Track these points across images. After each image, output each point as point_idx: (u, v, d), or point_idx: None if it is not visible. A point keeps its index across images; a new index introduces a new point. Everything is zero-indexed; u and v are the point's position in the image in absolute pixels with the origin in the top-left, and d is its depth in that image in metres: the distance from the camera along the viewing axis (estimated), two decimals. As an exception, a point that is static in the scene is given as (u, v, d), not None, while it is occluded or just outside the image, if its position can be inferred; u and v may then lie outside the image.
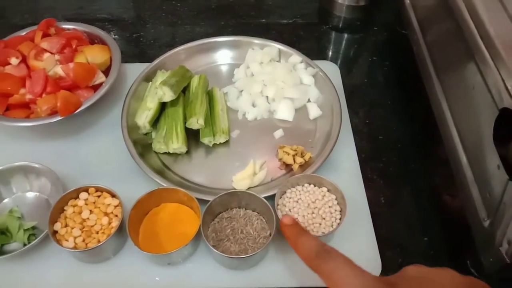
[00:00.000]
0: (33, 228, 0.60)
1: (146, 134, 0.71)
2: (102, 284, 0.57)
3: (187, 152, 0.69)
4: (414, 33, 0.76)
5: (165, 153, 0.69)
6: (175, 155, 0.69)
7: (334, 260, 0.40)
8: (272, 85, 0.74)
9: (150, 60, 0.81)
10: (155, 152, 0.69)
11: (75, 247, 0.54)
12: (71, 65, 0.68)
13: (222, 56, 0.82)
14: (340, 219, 0.58)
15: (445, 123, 0.63)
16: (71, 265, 0.58)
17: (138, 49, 0.88)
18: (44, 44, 0.70)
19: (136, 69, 0.78)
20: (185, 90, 0.73)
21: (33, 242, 0.55)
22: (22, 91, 0.68)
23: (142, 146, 0.68)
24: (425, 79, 0.71)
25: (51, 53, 0.70)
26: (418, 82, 0.74)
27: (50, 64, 0.69)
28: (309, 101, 0.75)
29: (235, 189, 0.64)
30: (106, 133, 0.72)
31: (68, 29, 0.78)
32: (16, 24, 0.93)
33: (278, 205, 0.59)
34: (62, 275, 0.57)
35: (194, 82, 0.74)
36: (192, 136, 0.70)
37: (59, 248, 0.58)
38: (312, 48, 0.89)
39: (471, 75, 0.56)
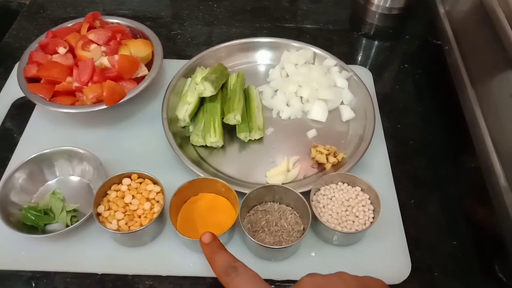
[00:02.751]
0: (74, 210, 0.63)
1: (183, 127, 0.73)
2: (138, 267, 0.59)
3: (222, 146, 0.71)
4: (448, 42, 0.78)
5: (201, 146, 0.71)
6: (211, 148, 0.71)
7: (239, 276, 0.42)
8: (307, 86, 0.76)
9: (186, 57, 0.84)
10: (192, 144, 0.71)
11: (118, 230, 0.57)
12: (116, 57, 0.71)
13: (258, 56, 0.84)
14: (373, 218, 0.59)
15: (478, 130, 0.64)
16: (110, 248, 0.60)
17: (176, 46, 0.90)
18: (92, 36, 0.73)
19: (173, 65, 0.81)
20: (222, 86, 0.76)
21: (77, 223, 0.58)
22: (69, 79, 0.71)
23: (180, 138, 0.70)
24: (458, 87, 0.72)
25: (98, 44, 0.73)
26: (450, 90, 0.76)
27: (97, 55, 0.71)
28: (342, 103, 0.77)
29: (264, 184, 0.66)
30: (145, 124, 0.75)
31: (112, 23, 0.81)
32: (59, 17, 0.97)
33: (312, 201, 0.61)
34: (100, 256, 0.60)
35: (232, 79, 0.76)
36: (228, 131, 0.72)
37: (99, 230, 0.61)
38: (344, 53, 0.91)
39: (508, 83, 0.57)
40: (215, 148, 0.71)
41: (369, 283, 0.41)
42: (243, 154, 0.72)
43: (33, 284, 0.58)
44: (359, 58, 0.92)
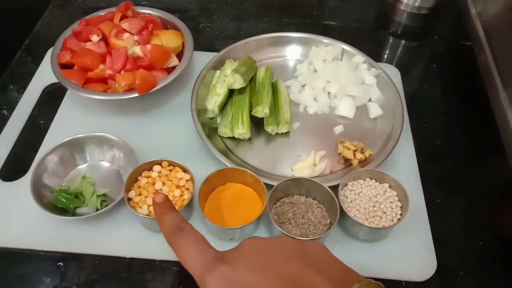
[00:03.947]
0: (104, 195, 0.64)
1: (211, 118, 0.74)
2: (165, 253, 0.59)
3: (249, 138, 0.72)
4: (478, 43, 0.78)
5: (228, 137, 0.72)
6: (237, 139, 0.72)
7: (185, 237, 0.40)
8: (335, 82, 0.77)
9: (214, 50, 0.85)
10: (219, 135, 0.72)
11: (148, 215, 0.58)
12: (148, 46, 0.71)
13: (286, 51, 0.85)
14: (401, 214, 0.59)
15: (509, 133, 0.64)
16: (138, 232, 0.61)
17: (205, 38, 0.91)
18: (125, 25, 0.74)
19: (201, 57, 0.82)
20: (251, 80, 0.76)
21: (109, 207, 0.59)
22: (101, 66, 0.72)
23: (208, 129, 0.71)
24: (489, 89, 0.72)
25: (131, 33, 0.74)
26: (479, 92, 0.75)
27: (129, 43, 0.73)
28: (370, 100, 0.77)
29: (293, 177, 0.66)
30: (173, 114, 0.76)
31: (143, 13, 0.82)
32: (89, 6, 0.98)
33: (340, 196, 0.61)
34: (128, 241, 0.61)
35: (261, 72, 0.76)
36: (254, 124, 0.73)
37: (128, 215, 0.62)
38: (371, 51, 0.90)
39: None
40: (242, 140, 0.72)
41: (308, 245, 0.40)
42: (269, 146, 0.72)
43: (62, 265, 0.59)
44: (386, 57, 0.91)
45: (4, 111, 0.77)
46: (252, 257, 0.38)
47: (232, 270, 0.36)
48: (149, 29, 0.76)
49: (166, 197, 0.44)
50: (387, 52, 0.92)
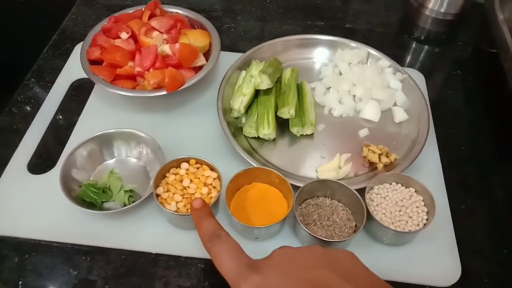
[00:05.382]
0: (131, 191, 0.65)
1: (236, 118, 0.74)
2: (190, 249, 0.60)
3: (273, 139, 0.72)
4: (506, 50, 0.77)
5: (253, 137, 0.72)
6: (262, 140, 0.72)
7: (222, 244, 0.42)
8: (361, 85, 0.77)
9: (238, 50, 0.86)
10: (244, 135, 0.72)
11: (176, 211, 0.58)
12: (177, 45, 0.72)
13: (312, 53, 0.85)
14: (427, 219, 0.59)
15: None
16: (164, 229, 0.62)
17: (229, 39, 0.92)
18: (154, 23, 0.75)
19: (226, 57, 0.82)
20: (276, 80, 0.76)
21: (137, 202, 0.60)
22: (130, 63, 0.73)
23: (233, 128, 0.72)
24: (517, 96, 0.71)
25: (160, 32, 0.75)
26: (504, 99, 0.75)
27: (158, 42, 0.73)
28: (395, 104, 0.77)
29: (318, 178, 0.67)
30: (198, 113, 0.76)
31: (171, 12, 0.83)
32: (115, 4, 1.00)
33: (366, 199, 0.61)
34: (154, 236, 0.61)
35: (287, 74, 0.77)
36: (279, 125, 0.73)
37: (154, 211, 0.63)
38: (394, 55, 0.90)
39: None
40: (266, 140, 0.72)
41: (338, 254, 0.42)
42: (293, 148, 0.72)
43: (89, 259, 0.60)
44: (410, 61, 0.91)
45: (32, 106, 0.78)
46: (283, 265, 0.39)
47: (264, 279, 0.38)
48: (178, 28, 0.77)
49: (205, 202, 0.46)
50: (411, 57, 0.92)
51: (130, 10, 0.83)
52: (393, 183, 0.63)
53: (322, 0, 1.03)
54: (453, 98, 0.84)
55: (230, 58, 0.81)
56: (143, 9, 0.81)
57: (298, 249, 0.42)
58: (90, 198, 0.62)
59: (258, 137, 0.72)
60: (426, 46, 0.95)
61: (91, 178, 0.66)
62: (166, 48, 0.72)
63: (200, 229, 0.44)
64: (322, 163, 0.70)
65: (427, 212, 0.60)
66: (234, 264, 0.40)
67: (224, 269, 0.40)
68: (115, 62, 0.72)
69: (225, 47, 0.89)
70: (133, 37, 0.76)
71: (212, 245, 0.42)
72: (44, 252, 0.61)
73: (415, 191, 0.62)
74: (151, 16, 0.79)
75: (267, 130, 0.70)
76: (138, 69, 0.71)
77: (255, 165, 0.65)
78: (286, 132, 0.73)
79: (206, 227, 0.44)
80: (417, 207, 0.60)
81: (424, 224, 0.59)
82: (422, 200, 0.61)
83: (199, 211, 0.46)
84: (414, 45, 0.95)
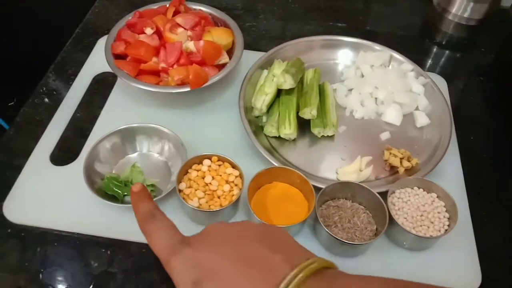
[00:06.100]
0: (152, 185, 0.65)
1: (257, 116, 0.74)
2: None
3: (294, 139, 0.72)
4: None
5: (274, 136, 0.72)
6: (282, 139, 0.72)
7: (156, 223, 0.42)
8: (383, 88, 0.77)
9: (260, 49, 0.86)
10: (264, 134, 0.72)
11: (198, 207, 0.59)
12: (201, 42, 0.73)
13: (334, 54, 0.85)
14: (448, 225, 0.59)
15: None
16: (184, 224, 0.60)
17: (250, 37, 0.92)
18: (179, 20, 0.75)
19: (247, 56, 0.82)
20: (298, 81, 0.77)
21: (160, 196, 0.60)
22: (154, 59, 0.73)
23: (254, 127, 0.72)
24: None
25: (185, 28, 0.75)
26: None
27: (183, 38, 0.74)
28: (417, 109, 0.77)
29: (340, 180, 0.67)
30: (220, 110, 0.77)
31: (195, 9, 0.83)
32: (138, -1, 1.00)
33: (387, 203, 0.61)
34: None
35: (309, 74, 0.77)
36: (299, 125, 0.73)
37: (175, 206, 0.64)
38: (416, 59, 0.90)
39: None
40: (287, 139, 0.72)
41: (268, 228, 0.42)
42: (314, 148, 0.72)
43: (110, 251, 0.61)
44: (432, 66, 0.91)
45: (55, 98, 0.79)
46: (214, 239, 0.40)
47: (195, 252, 0.38)
48: (202, 25, 0.77)
49: (143, 186, 0.46)
50: (432, 62, 0.92)
51: (154, 6, 0.83)
52: (415, 188, 0.63)
53: (344, 2, 1.03)
54: (475, 104, 0.84)
55: (251, 57, 0.81)
56: (167, 5, 0.81)
57: (230, 223, 0.42)
58: (112, 191, 0.63)
59: (279, 136, 0.72)
60: (447, 51, 0.95)
61: (113, 172, 0.67)
62: (191, 45, 0.73)
63: (136, 210, 0.44)
64: (343, 165, 0.70)
65: (448, 218, 0.60)
66: (166, 241, 0.40)
67: (156, 248, 0.40)
68: (140, 57, 0.73)
69: (246, 46, 0.88)
70: (158, 32, 0.76)
71: (146, 224, 0.42)
72: (65, 243, 0.61)
73: (437, 197, 0.62)
74: (175, 13, 0.79)
75: (288, 130, 0.70)
76: (162, 65, 0.71)
77: (275, 164, 0.66)
78: (307, 133, 0.73)
79: (142, 208, 0.44)
80: (438, 212, 0.60)
81: (446, 230, 0.59)
82: (444, 206, 0.61)
83: (137, 194, 0.45)
84: (435, 50, 0.95)
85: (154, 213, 0.43)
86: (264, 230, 0.41)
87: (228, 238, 0.40)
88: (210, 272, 0.37)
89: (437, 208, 0.61)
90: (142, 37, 0.75)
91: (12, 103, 1.47)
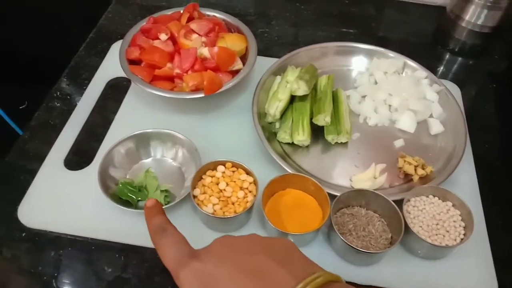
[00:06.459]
0: (166, 191, 0.65)
1: (270, 122, 0.74)
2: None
3: (307, 145, 0.72)
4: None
5: (287, 142, 0.72)
6: (295, 145, 0.72)
7: (166, 237, 0.43)
8: (397, 95, 0.76)
9: (272, 55, 0.86)
10: (277, 140, 0.72)
11: (213, 213, 0.58)
12: (215, 48, 0.73)
13: (348, 60, 0.85)
14: (464, 234, 0.59)
15: None
16: (199, 230, 0.62)
17: (263, 43, 0.92)
18: (194, 26, 0.75)
19: (261, 61, 0.82)
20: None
21: (174, 202, 0.60)
22: (168, 65, 0.73)
23: (267, 133, 0.72)
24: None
25: (199, 34, 0.75)
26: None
27: (197, 44, 0.74)
28: (431, 116, 0.76)
29: (353, 188, 0.66)
30: (233, 116, 0.77)
31: (208, 15, 0.84)
32: (151, 4, 1.01)
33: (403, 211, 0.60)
34: (189, 237, 0.60)
35: (323, 81, 0.77)
36: (313, 131, 0.73)
37: (188, 212, 0.64)
38: (429, 66, 0.90)
39: None
40: (300, 146, 0.72)
41: (274, 241, 0.42)
42: (327, 155, 0.72)
43: (123, 256, 0.61)
44: (444, 73, 0.90)
45: (69, 102, 0.80)
46: (221, 252, 0.40)
47: (202, 265, 0.39)
48: (216, 31, 0.77)
49: (156, 201, 0.47)
50: (445, 69, 0.91)
51: (168, 12, 0.83)
52: (430, 196, 0.62)
53: (356, 8, 1.03)
54: (488, 112, 0.83)
55: (264, 63, 0.81)
56: (182, 11, 0.82)
57: (237, 237, 0.43)
58: (126, 196, 0.63)
59: (292, 142, 0.72)
60: (461, 58, 0.94)
61: (127, 176, 0.67)
62: (205, 51, 0.73)
63: (148, 224, 0.45)
64: (356, 172, 0.69)
65: (464, 227, 0.59)
66: (175, 254, 0.41)
67: (166, 260, 0.41)
68: (154, 63, 0.73)
69: (259, 52, 0.88)
70: (172, 38, 0.77)
71: (157, 238, 0.43)
72: (79, 248, 0.62)
73: (453, 205, 0.61)
74: (189, 19, 0.79)
75: (302, 137, 0.70)
76: (177, 70, 0.72)
77: (289, 170, 0.65)
78: (320, 139, 0.73)
79: (154, 221, 0.45)
80: (454, 221, 0.60)
81: (462, 239, 0.58)
82: (459, 215, 0.61)
83: (150, 209, 0.46)
84: (448, 56, 0.94)
85: (165, 227, 0.44)
86: (270, 243, 0.42)
87: (234, 251, 0.41)
88: (216, 285, 0.37)
89: (453, 216, 0.60)
90: (156, 42, 0.76)
91: (24, 106, 1.48)
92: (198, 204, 0.59)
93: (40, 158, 0.71)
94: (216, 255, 0.41)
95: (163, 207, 0.59)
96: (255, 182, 0.62)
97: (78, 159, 0.71)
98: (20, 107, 1.48)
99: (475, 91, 0.88)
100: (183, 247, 0.42)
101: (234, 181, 0.62)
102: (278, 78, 0.79)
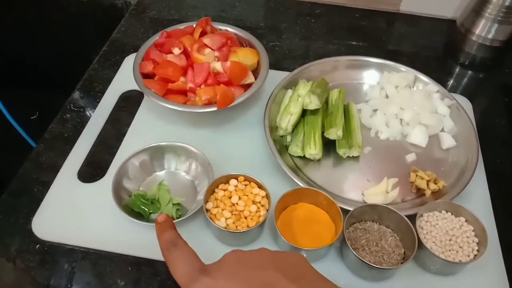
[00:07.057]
0: (178, 204, 0.65)
1: (281, 136, 0.75)
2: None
3: (318, 159, 0.72)
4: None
5: (298, 156, 0.72)
6: (307, 159, 0.72)
7: (177, 252, 0.43)
8: (408, 109, 0.77)
9: (283, 69, 0.87)
10: (289, 153, 0.73)
11: (226, 228, 0.59)
12: (228, 63, 0.74)
13: (360, 74, 0.85)
14: (477, 250, 0.58)
15: None
16: (211, 244, 0.62)
17: (274, 57, 0.93)
18: (207, 40, 0.76)
19: (272, 75, 0.82)
20: (323, 101, 0.77)
21: (187, 215, 0.61)
22: (181, 79, 0.74)
23: (279, 146, 0.72)
24: None
25: (212, 49, 0.76)
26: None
27: (210, 59, 0.75)
28: (442, 130, 0.77)
29: (366, 202, 0.66)
30: (244, 129, 0.77)
31: (220, 29, 0.85)
32: (164, 18, 1.02)
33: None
34: (201, 251, 0.59)
35: (334, 94, 0.77)
36: (324, 145, 0.73)
37: (200, 225, 0.64)
38: (439, 79, 0.90)
39: None
40: (311, 160, 0.72)
41: (285, 255, 0.43)
42: (338, 169, 0.72)
43: (136, 269, 0.61)
44: (455, 86, 0.90)
45: (82, 115, 0.81)
46: (231, 267, 0.41)
47: (213, 281, 0.40)
48: (228, 46, 0.78)
49: (167, 216, 0.48)
50: (456, 82, 0.91)
51: (181, 26, 0.84)
52: (443, 211, 0.62)
53: (366, 21, 1.03)
54: (500, 126, 0.83)
55: (275, 76, 0.82)
56: (194, 26, 0.83)
57: (247, 251, 0.43)
58: (138, 209, 0.64)
59: (303, 156, 0.72)
60: (471, 72, 0.94)
61: (140, 188, 0.67)
62: (218, 66, 0.74)
63: (159, 239, 0.46)
64: (368, 186, 0.69)
65: (477, 243, 0.59)
66: (186, 269, 0.41)
67: (177, 275, 0.41)
68: (168, 77, 0.74)
69: (270, 65, 0.90)
70: (185, 53, 0.77)
71: (168, 253, 0.44)
72: (92, 260, 0.62)
73: (466, 221, 0.61)
74: (202, 33, 0.80)
75: (314, 150, 0.70)
76: (190, 85, 0.72)
77: (300, 184, 0.66)
78: (331, 153, 0.74)
79: (165, 236, 0.46)
80: (467, 237, 0.60)
81: (475, 256, 0.58)
82: (473, 230, 0.60)
83: (161, 224, 0.47)
84: (459, 70, 0.94)
85: (176, 242, 0.45)
86: (281, 258, 0.42)
87: (244, 266, 0.41)
88: None
89: (466, 232, 0.60)
90: (170, 57, 0.77)
91: (35, 116, 1.50)
92: (211, 218, 0.59)
93: (54, 170, 0.71)
94: (227, 270, 0.41)
95: (175, 220, 0.61)
96: (267, 196, 0.62)
97: (91, 171, 0.72)
98: (31, 117, 1.50)
99: (486, 104, 0.88)
100: (194, 262, 0.43)
101: (247, 195, 0.62)
102: (290, 91, 0.79)
